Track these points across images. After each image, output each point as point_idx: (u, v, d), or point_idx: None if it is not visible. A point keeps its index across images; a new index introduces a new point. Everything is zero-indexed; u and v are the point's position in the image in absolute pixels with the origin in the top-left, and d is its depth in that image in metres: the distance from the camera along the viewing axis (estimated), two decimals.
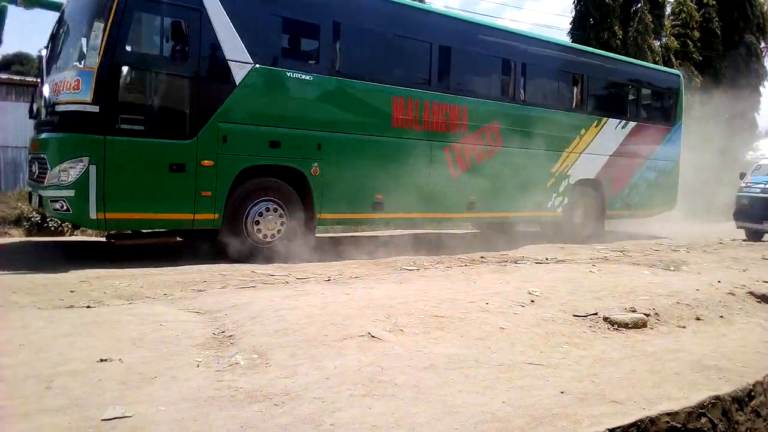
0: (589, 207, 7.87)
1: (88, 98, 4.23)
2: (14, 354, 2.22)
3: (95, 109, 4.24)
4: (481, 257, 5.61)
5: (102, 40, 4.24)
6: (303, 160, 5.26)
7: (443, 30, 6.35)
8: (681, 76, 9.13)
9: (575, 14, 15.44)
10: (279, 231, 5.12)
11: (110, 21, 4.25)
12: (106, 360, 2.18)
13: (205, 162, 4.70)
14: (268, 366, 2.21)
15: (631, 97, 8.51)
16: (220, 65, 4.78)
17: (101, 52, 4.23)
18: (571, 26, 15.59)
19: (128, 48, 4.49)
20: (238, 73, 4.85)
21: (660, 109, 8.92)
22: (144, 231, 5.05)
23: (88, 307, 3.12)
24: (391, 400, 1.90)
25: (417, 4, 7.07)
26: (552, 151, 7.35)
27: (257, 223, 5.01)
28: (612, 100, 8.23)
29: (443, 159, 6.21)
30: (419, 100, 6.03)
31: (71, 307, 3.12)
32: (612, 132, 7.92)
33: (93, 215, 4.31)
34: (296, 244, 5.11)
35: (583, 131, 7.61)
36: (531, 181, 6.88)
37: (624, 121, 8.07)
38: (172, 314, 2.97)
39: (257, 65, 4.94)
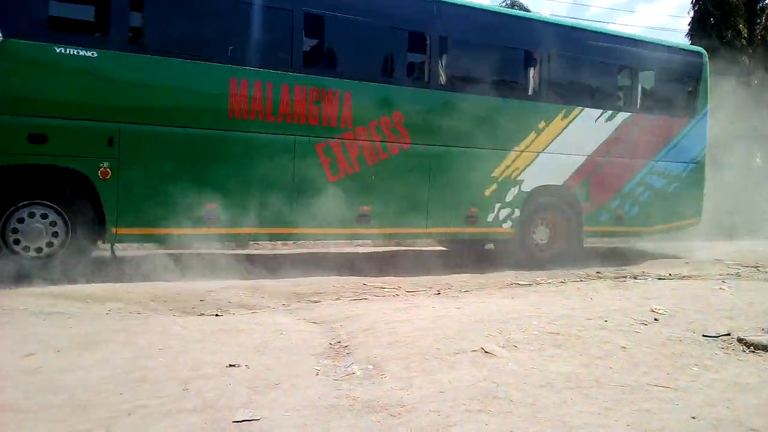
0: (556, 222, 8.83)
1: None
2: (155, 357, 3.71)
3: None
4: (597, 272, 8.00)
5: None
6: (84, 159, 6.10)
7: None
8: (704, 54, 10.28)
9: (694, 14, 21.44)
10: (50, 245, 6.06)
11: None
12: (234, 365, 3.54)
13: None
14: (383, 377, 3.40)
15: (623, 81, 9.78)
16: None
17: None
18: (689, 27, 21.56)
19: None
20: None
21: (672, 96, 10.23)
22: None
23: (216, 315, 5.11)
24: (507, 417, 2.83)
25: None
26: (490, 149, 8.13)
27: (15, 232, 5.93)
28: (590, 85, 9.29)
29: (315, 159, 7.09)
30: (273, 84, 6.70)
31: (201, 314, 5.14)
32: (590, 126, 8.93)
33: None
34: (84, 262, 6.17)
35: (541, 124, 8.49)
36: (456, 188, 7.94)
37: (610, 112, 9.17)
38: (291, 324, 4.73)
39: (4, 38, 5.65)
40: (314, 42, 7.29)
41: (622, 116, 9.19)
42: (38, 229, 5.96)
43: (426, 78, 7.87)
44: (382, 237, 8.28)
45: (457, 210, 7.98)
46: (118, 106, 6.16)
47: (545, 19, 9.33)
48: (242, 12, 6.69)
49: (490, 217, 8.24)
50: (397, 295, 6.20)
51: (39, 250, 5.96)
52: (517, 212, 8.42)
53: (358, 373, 3.49)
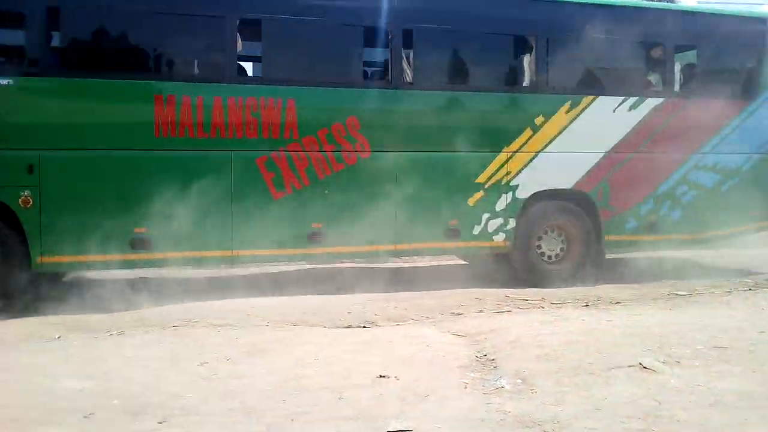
0: (569, 232, 7.69)
1: None
2: (311, 366, 4.12)
3: None
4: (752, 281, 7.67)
5: None
6: (2, 188, 6.04)
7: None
8: None
9: None
10: None
11: None
12: (384, 376, 3.85)
13: None
14: (533, 392, 3.51)
15: (651, 61, 8.19)
16: None
17: None
18: None
19: None
20: None
21: (725, 75, 8.52)
22: None
23: (364, 327, 5.36)
24: None
25: None
26: (471, 152, 7.18)
27: None
28: (604, 69, 8.00)
29: (257, 176, 6.68)
30: (203, 97, 6.39)
31: (349, 326, 5.38)
32: (606, 117, 7.63)
33: None
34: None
35: (538, 119, 7.36)
36: (430, 199, 7.11)
37: (634, 99, 7.76)
38: (436, 336, 4.92)
39: None
40: (249, 48, 6.86)
41: (651, 103, 7.73)
42: None
43: (386, 76, 7.14)
44: (340, 257, 7.64)
45: (433, 223, 7.12)
46: (35, 132, 6.04)
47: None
48: (164, 22, 6.36)
49: (477, 230, 7.28)
50: (542, 307, 6.17)
51: None
52: (512, 222, 7.38)
53: (507, 387, 3.63)
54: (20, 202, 6.00)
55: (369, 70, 7.41)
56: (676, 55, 8.04)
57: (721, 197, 8.09)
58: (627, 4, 7.86)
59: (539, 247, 7.60)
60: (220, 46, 6.49)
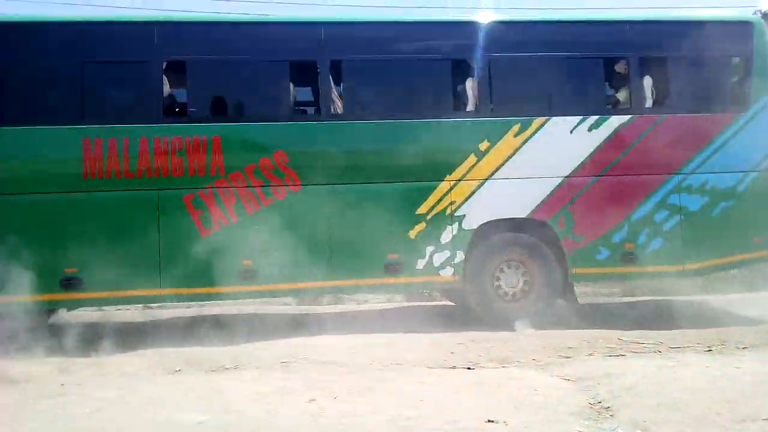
0: (528, 266, 7.12)
1: None
2: (417, 408, 4.01)
3: None
4: None
5: None
6: None
7: (175, 37, 6.94)
8: (756, 24, 7.71)
9: None
10: None
11: None
12: (492, 421, 3.68)
13: None
14: None
15: (615, 73, 7.56)
16: None
17: None
18: None
19: None
20: None
21: (705, 87, 7.63)
22: None
23: (468, 368, 5.22)
24: None
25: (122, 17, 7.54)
26: (409, 182, 6.90)
27: None
28: (558, 88, 7.41)
29: (184, 214, 6.66)
30: (129, 138, 6.56)
31: (453, 367, 5.27)
32: (563, 139, 7.07)
33: None
34: None
35: (483, 145, 6.93)
36: (366, 232, 6.83)
37: (595, 118, 7.14)
38: (544, 380, 4.75)
39: None
40: (173, 89, 6.88)
41: (615, 122, 7.11)
42: None
43: (314, 109, 7.13)
44: (274, 294, 7.49)
45: (371, 258, 6.80)
46: None
47: (468, 21, 7.41)
48: (92, 68, 6.60)
49: (421, 264, 6.86)
50: (659, 351, 5.75)
51: None
52: (460, 255, 6.91)
53: None
54: None
55: (296, 103, 7.24)
56: (645, 67, 7.34)
57: (712, 222, 7.21)
58: (577, 19, 7.43)
59: (498, 282, 7.07)
60: (146, 88, 6.64)
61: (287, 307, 8.99)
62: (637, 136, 7.15)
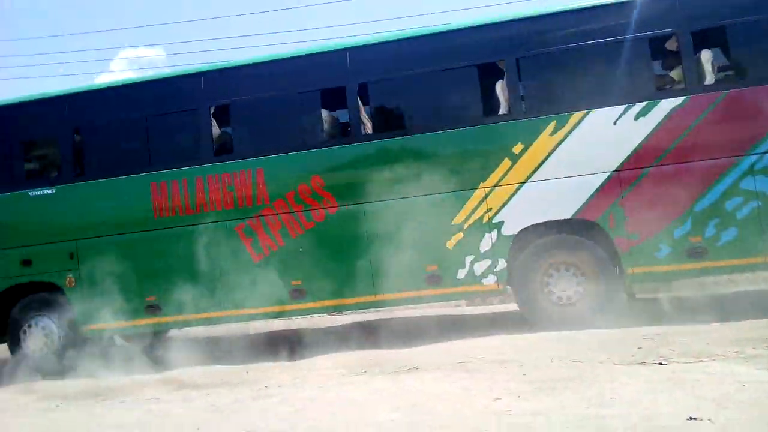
0: (581, 269, 6.70)
1: None
2: (608, 406, 3.85)
3: None
4: None
5: None
6: (56, 273, 7.65)
7: (218, 83, 7.62)
8: None
9: None
10: (46, 345, 7.70)
11: None
12: (695, 419, 3.43)
13: None
14: None
15: (661, 52, 6.93)
16: None
17: None
18: None
19: None
20: None
21: None
22: None
23: (660, 364, 4.90)
24: None
25: (172, 73, 8.30)
26: (443, 193, 6.83)
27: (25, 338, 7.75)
28: (597, 77, 6.80)
29: (237, 242, 7.28)
30: (187, 179, 7.38)
31: (643, 363, 4.99)
32: (607, 131, 6.57)
33: None
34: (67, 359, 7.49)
35: (516, 148, 6.68)
36: (404, 246, 6.83)
37: (642, 105, 6.51)
38: (752, 374, 4.29)
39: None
40: (219, 131, 7.55)
41: (668, 104, 6.41)
42: (36, 334, 7.73)
43: (343, 132, 7.38)
44: (324, 310, 7.66)
45: (411, 271, 6.80)
46: (72, 226, 7.54)
47: (498, 20, 7.07)
48: (153, 121, 7.51)
49: (461, 274, 6.77)
50: None
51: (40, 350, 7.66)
52: (502, 263, 6.69)
53: None
54: (67, 283, 7.57)
55: (328, 128, 7.43)
56: (700, 40, 6.54)
57: None
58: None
59: (548, 287, 6.71)
60: (197, 133, 7.40)
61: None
62: (695, 118, 6.38)
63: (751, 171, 6.28)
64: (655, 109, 6.44)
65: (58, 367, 7.43)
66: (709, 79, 6.54)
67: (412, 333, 7.05)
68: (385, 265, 6.82)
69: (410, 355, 6.13)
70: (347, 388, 5.15)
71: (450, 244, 6.79)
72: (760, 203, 6.26)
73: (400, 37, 7.17)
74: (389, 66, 7.15)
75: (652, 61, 6.73)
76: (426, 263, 6.83)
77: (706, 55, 6.56)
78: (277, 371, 6.25)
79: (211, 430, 4.39)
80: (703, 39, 6.59)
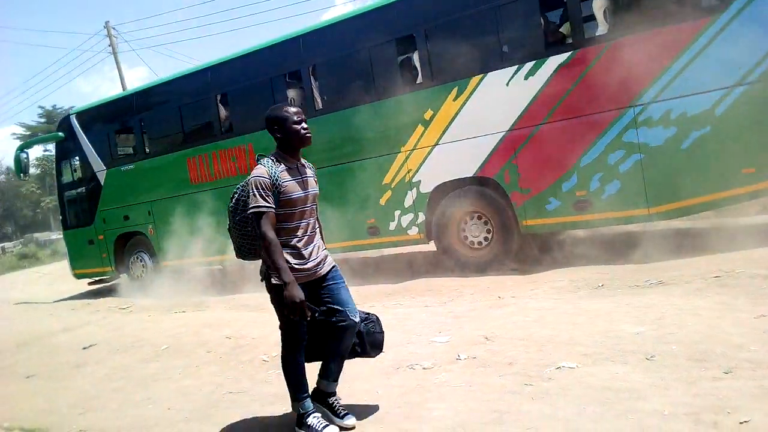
0: (488, 218, 7.32)
1: None
2: None
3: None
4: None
5: None
6: (142, 224, 10.51)
7: (222, 78, 9.45)
8: None
9: None
10: (143, 271, 10.77)
11: None
12: None
13: (99, 237, 11.01)
14: None
15: (542, 10, 6.77)
16: (93, 176, 10.96)
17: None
18: None
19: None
20: (102, 177, 10.62)
21: None
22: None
23: None
24: None
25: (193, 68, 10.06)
26: (373, 158, 7.81)
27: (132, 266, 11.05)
28: (489, 43, 7.07)
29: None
30: (207, 154, 9.42)
31: None
32: (500, 93, 6.88)
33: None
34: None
35: (426, 114, 7.33)
36: (350, 202, 8.11)
37: (531, 64, 6.67)
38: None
39: (108, 169, 10.80)
40: (226, 114, 9.24)
41: (554, 62, 6.53)
42: (137, 264, 10.75)
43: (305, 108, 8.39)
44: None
45: (356, 224, 7.97)
46: (147, 191, 10.14)
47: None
48: (185, 111, 9.64)
49: (392, 226, 7.79)
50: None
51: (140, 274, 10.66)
52: (422, 216, 7.51)
53: None
54: (149, 232, 10.22)
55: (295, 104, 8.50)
56: None
57: (680, 157, 6.05)
58: None
59: (464, 233, 7.40)
60: (209, 117, 9.35)
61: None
62: (579, 73, 6.42)
63: (634, 123, 6.21)
64: (543, 67, 6.59)
65: (152, 285, 10.09)
66: (601, 30, 6.43)
67: (650, 246, 6.60)
68: (340, 219, 7.91)
69: (653, 270, 5.91)
70: (585, 302, 5.09)
71: (383, 200, 7.79)
72: (642, 156, 6.19)
73: (332, 22, 8.13)
74: (329, 48, 8.12)
75: (542, 19, 6.75)
76: (367, 217, 7.93)
77: (597, 4, 6.41)
78: (510, 283, 6.55)
79: (451, 333, 4.70)
80: None
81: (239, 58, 9.00)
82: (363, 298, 6.36)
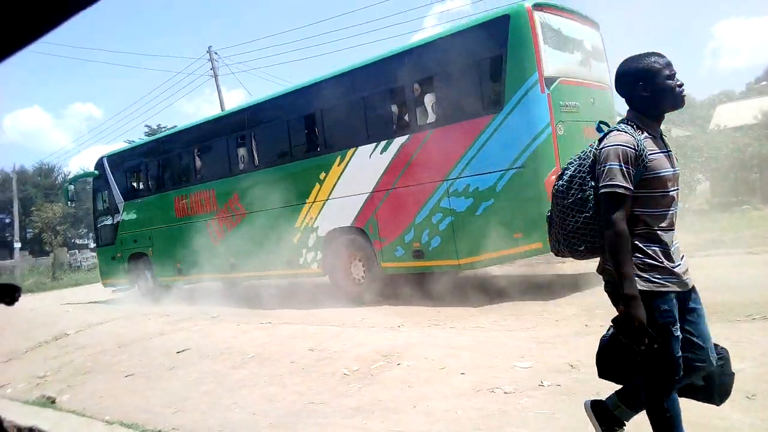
0: (360, 259, 9.36)
1: None
2: None
3: None
4: None
5: None
6: (145, 247, 13.32)
7: (192, 138, 12.25)
8: (515, 16, 7.45)
9: None
10: (147, 284, 13.65)
11: None
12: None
13: (118, 255, 13.85)
14: None
15: (394, 101, 8.79)
16: (116, 206, 13.99)
17: None
18: None
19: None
20: (121, 207, 13.59)
21: (465, 94, 7.96)
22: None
23: None
24: None
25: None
26: (290, 206, 9.98)
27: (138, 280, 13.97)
28: (359, 123, 9.12)
29: (208, 232, 11.63)
30: (186, 195, 12.10)
31: None
32: (365, 162, 8.89)
33: None
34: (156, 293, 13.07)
35: (322, 175, 9.47)
36: (276, 240, 10.30)
37: (384, 142, 8.72)
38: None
39: (125, 201, 13.68)
40: (199, 165, 11.75)
41: (398, 141, 8.56)
42: (143, 278, 13.26)
43: (246, 165, 10.79)
44: (247, 279, 11.30)
45: (281, 256, 10.08)
46: (149, 221, 12.76)
47: (325, 78, 9.53)
48: (174, 160, 12.20)
49: (301, 260, 9.90)
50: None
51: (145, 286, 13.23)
52: (320, 254, 9.60)
53: None
54: (149, 254, 12.84)
55: (240, 162, 10.92)
56: (421, 90, 8.37)
57: (476, 221, 7.79)
58: (365, 63, 8.93)
59: (352, 270, 9.39)
60: (189, 168, 11.89)
61: None
62: (413, 151, 8.35)
63: (446, 193, 8.06)
64: (391, 145, 8.59)
65: (153, 296, 12.68)
66: (429, 119, 8.34)
67: None
68: (270, 251, 10.12)
69: (743, 304, 5.83)
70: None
71: (295, 240, 9.93)
72: (453, 218, 8.02)
73: (266, 99, 10.66)
74: (263, 120, 10.54)
75: (392, 108, 8.75)
76: (285, 252, 10.06)
77: (428, 99, 8.33)
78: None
79: (534, 359, 4.67)
80: (422, 88, 8.39)
81: (206, 123, 11.68)
82: (445, 317, 7.28)
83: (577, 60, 7.99)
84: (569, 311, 6.80)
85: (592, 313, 6.39)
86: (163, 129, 50.44)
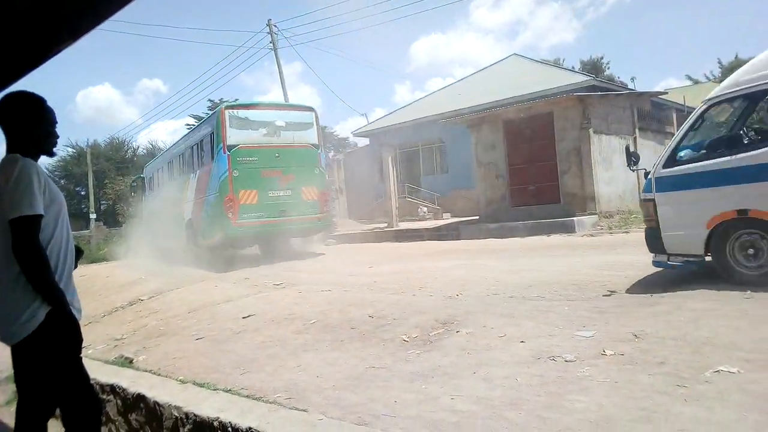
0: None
1: None
2: None
3: None
4: None
5: None
6: None
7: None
8: (217, 112, 13.35)
9: None
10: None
11: None
12: None
13: None
14: None
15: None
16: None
17: None
18: None
19: None
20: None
21: (206, 151, 13.92)
22: None
23: None
24: None
25: None
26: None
27: None
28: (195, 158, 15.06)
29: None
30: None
31: None
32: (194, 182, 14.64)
33: None
34: None
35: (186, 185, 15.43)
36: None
37: (198, 170, 14.60)
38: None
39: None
40: None
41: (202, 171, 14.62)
42: None
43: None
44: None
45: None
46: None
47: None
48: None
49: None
50: None
51: None
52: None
53: None
54: None
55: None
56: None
57: (206, 218, 13.71)
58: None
59: None
60: None
61: None
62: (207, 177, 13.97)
63: (206, 201, 13.87)
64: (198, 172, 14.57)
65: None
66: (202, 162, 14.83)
67: None
68: None
69: None
70: (748, 304, 5.02)
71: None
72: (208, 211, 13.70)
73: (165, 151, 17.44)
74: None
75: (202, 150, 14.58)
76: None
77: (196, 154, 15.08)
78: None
79: (597, 329, 4.64)
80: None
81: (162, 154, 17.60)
82: (514, 287, 7.11)
83: (263, 133, 12.99)
84: (627, 282, 6.81)
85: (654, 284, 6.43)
86: (226, 102, 52.49)
